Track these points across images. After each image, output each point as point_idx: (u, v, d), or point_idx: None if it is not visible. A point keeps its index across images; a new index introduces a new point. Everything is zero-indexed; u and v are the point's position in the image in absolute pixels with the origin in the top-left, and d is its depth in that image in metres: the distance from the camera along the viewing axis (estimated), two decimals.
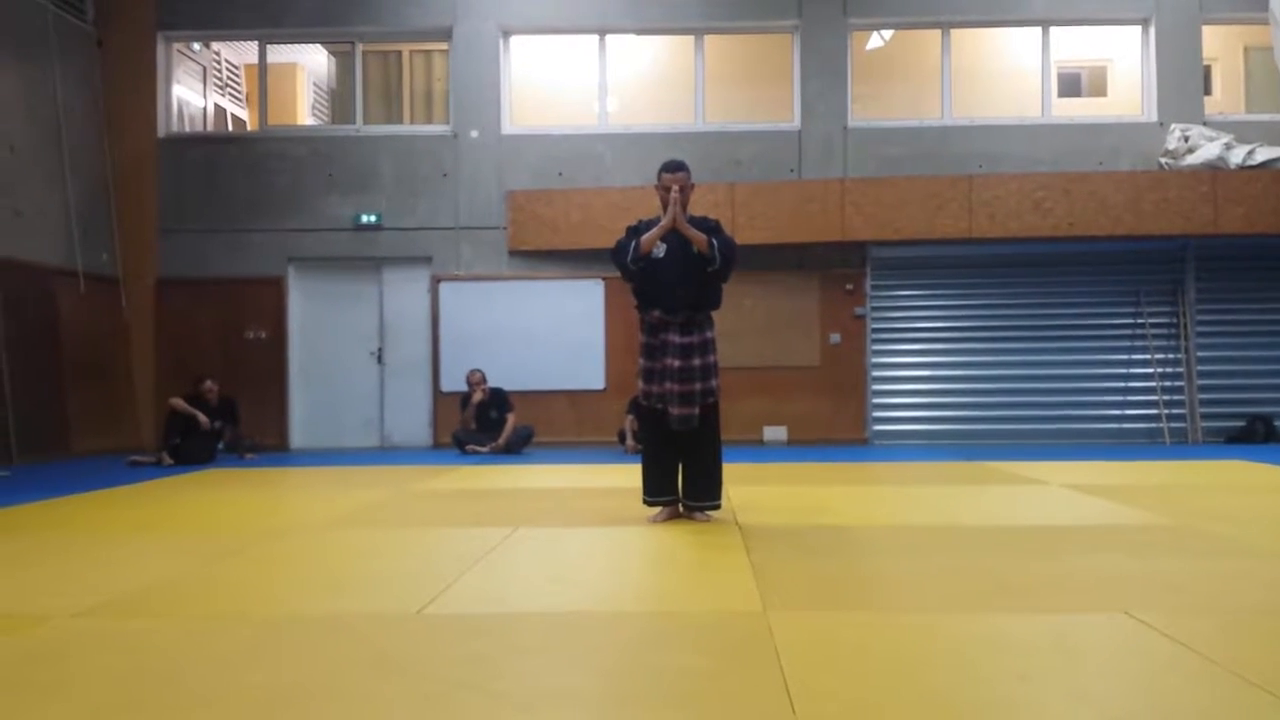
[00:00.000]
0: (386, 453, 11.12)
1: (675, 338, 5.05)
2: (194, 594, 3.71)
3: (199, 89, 12.66)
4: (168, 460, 9.26)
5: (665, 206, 5.10)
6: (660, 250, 5.09)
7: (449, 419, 11.21)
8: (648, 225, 5.16)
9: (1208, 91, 12.21)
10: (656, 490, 5.18)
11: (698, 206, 5.50)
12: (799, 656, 2.73)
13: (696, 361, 5.04)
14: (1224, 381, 11.37)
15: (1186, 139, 11.10)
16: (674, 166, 5.13)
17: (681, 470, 5.19)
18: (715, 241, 5.05)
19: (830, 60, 11.61)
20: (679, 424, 5.01)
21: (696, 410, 5.02)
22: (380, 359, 11.77)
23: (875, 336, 11.59)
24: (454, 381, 11.23)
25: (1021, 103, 11.88)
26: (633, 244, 5.14)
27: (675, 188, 5.04)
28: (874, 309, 11.59)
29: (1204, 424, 11.29)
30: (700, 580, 3.83)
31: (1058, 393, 11.49)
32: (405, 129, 12.12)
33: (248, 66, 13.25)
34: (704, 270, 5.08)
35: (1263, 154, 10.83)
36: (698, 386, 5.02)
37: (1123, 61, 12.46)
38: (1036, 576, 3.80)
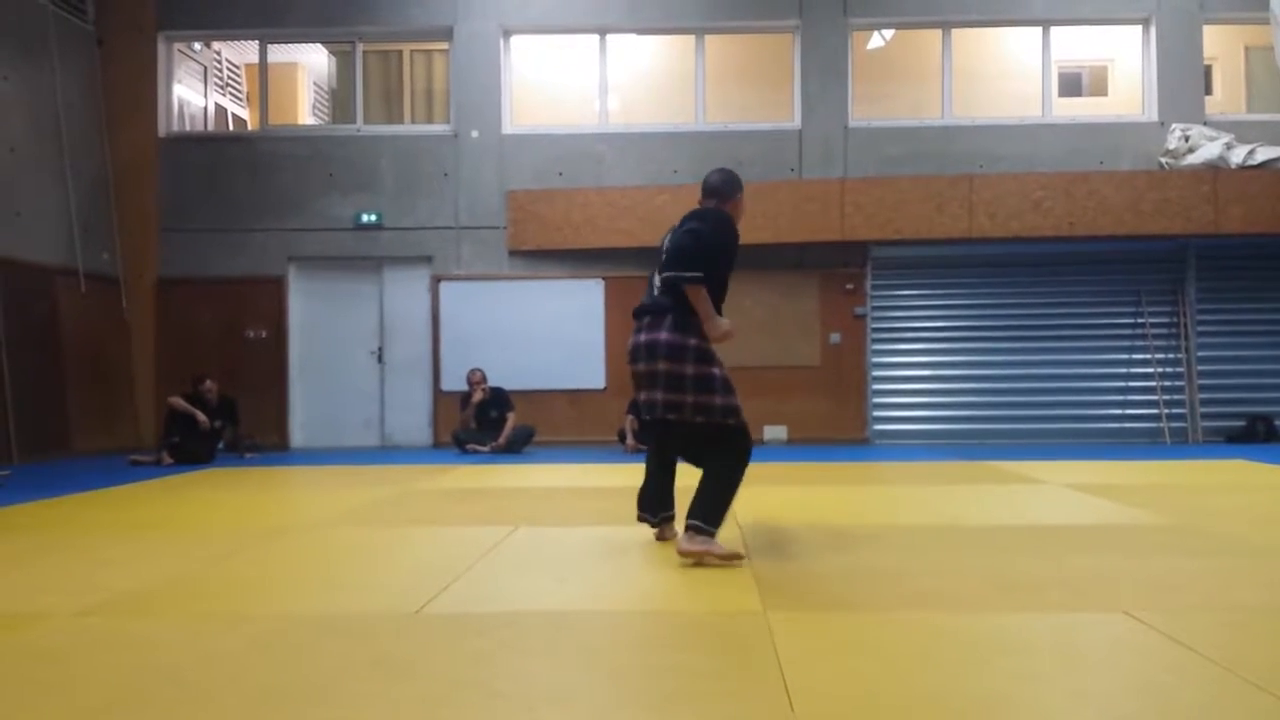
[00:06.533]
0: (386, 452, 11.12)
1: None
2: (195, 593, 3.71)
3: (200, 88, 12.67)
4: (168, 459, 9.29)
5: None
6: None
7: (449, 418, 11.21)
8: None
9: (1208, 91, 12.21)
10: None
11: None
12: (798, 656, 2.73)
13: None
14: (1224, 381, 11.37)
15: (1187, 139, 11.10)
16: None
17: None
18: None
19: (831, 60, 11.61)
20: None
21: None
22: (380, 358, 11.77)
23: (875, 336, 11.59)
24: (454, 381, 11.24)
25: (1022, 102, 11.88)
26: None
27: None
28: (874, 308, 11.59)
29: (1204, 424, 11.29)
30: (700, 579, 3.83)
31: (1058, 392, 11.49)
32: (406, 129, 12.12)
33: (248, 66, 13.25)
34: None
35: (1263, 154, 10.82)
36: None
37: (1123, 61, 12.47)
38: (1036, 576, 3.81)
